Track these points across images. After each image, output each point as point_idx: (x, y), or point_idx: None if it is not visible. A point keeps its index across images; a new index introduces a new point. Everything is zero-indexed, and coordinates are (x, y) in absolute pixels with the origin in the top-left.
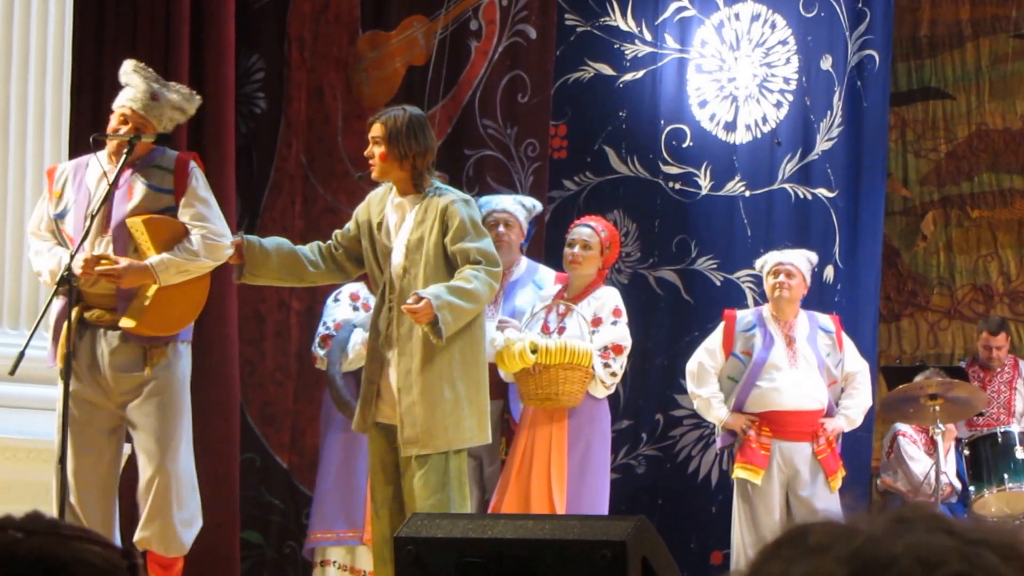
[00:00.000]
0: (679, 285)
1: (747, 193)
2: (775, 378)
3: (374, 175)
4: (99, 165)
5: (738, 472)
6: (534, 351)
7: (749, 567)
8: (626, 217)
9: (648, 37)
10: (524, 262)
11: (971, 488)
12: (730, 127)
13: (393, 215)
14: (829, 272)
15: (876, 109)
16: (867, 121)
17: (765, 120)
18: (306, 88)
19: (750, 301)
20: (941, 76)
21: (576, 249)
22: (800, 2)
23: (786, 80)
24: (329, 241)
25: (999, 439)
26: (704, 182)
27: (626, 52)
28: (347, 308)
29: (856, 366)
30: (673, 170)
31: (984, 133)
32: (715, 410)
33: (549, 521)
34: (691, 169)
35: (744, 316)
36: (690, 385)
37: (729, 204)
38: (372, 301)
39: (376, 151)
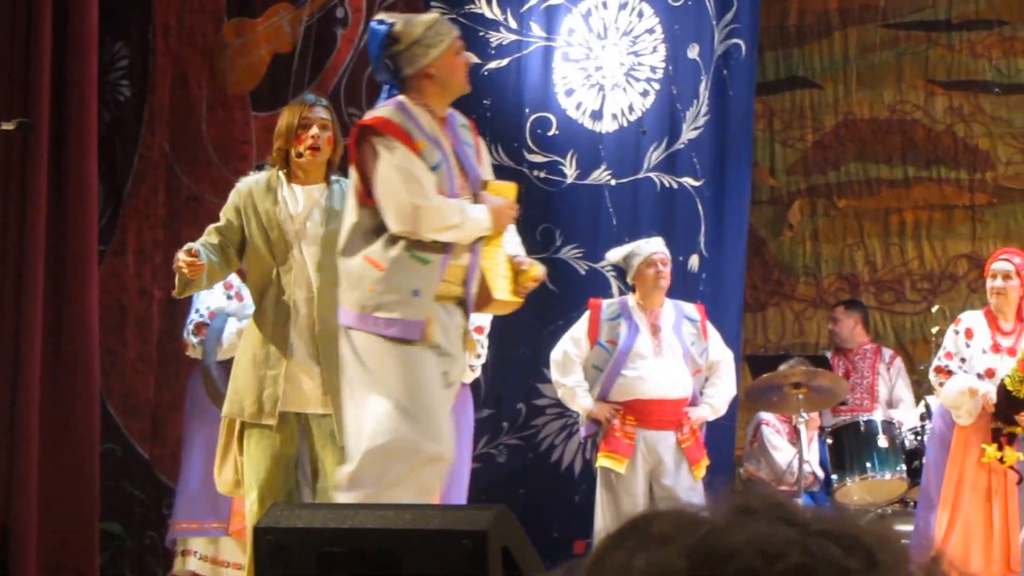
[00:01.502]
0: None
1: (613, 182)
2: (640, 367)
3: (316, 158)
4: None
5: (602, 461)
6: None
7: (592, 556)
8: None
9: (514, 25)
10: None
11: (834, 477)
12: (596, 116)
13: (294, 204)
14: (694, 261)
15: (742, 98)
16: (733, 110)
17: (632, 109)
18: (171, 76)
19: (615, 290)
20: (809, 65)
21: None
22: None
23: (653, 69)
24: (211, 238)
25: (862, 428)
26: (570, 171)
27: (491, 40)
28: (220, 296)
29: (720, 355)
30: (538, 159)
31: (851, 123)
32: (579, 399)
33: (410, 511)
34: (556, 158)
35: (609, 305)
36: (554, 374)
37: (595, 193)
38: (245, 291)
39: (324, 135)
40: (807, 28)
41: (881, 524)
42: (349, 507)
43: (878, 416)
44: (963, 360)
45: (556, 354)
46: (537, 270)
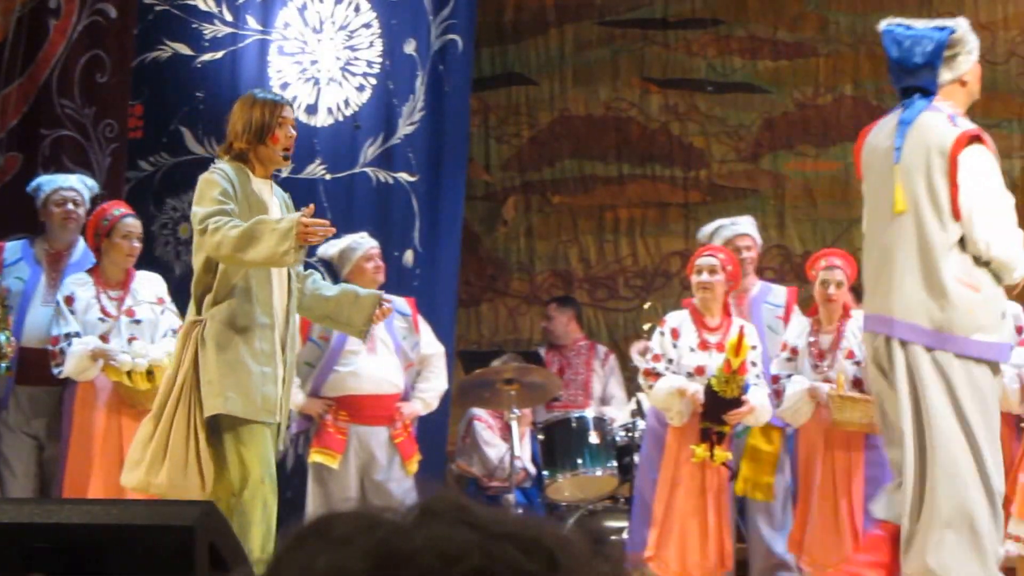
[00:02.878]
0: None
1: (328, 177)
2: (352, 362)
3: (289, 155)
4: None
5: (314, 456)
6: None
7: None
8: None
9: (229, 18)
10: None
11: (545, 473)
12: (312, 110)
13: (267, 198)
14: (409, 256)
15: (458, 94)
16: (449, 106)
17: (347, 103)
18: None
19: None
20: (525, 62)
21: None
22: None
23: (369, 64)
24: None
25: (573, 424)
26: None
27: (205, 32)
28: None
29: (432, 349)
30: None
31: (566, 119)
32: (292, 395)
33: (117, 506)
34: None
35: None
36: None
37: (309, 187)
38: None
39: (294, 134)
40: (523, 24)
41: (563, 527)
42: (55, 502)
43: (590, 413)
44: (671, 361)
45: None
46: None
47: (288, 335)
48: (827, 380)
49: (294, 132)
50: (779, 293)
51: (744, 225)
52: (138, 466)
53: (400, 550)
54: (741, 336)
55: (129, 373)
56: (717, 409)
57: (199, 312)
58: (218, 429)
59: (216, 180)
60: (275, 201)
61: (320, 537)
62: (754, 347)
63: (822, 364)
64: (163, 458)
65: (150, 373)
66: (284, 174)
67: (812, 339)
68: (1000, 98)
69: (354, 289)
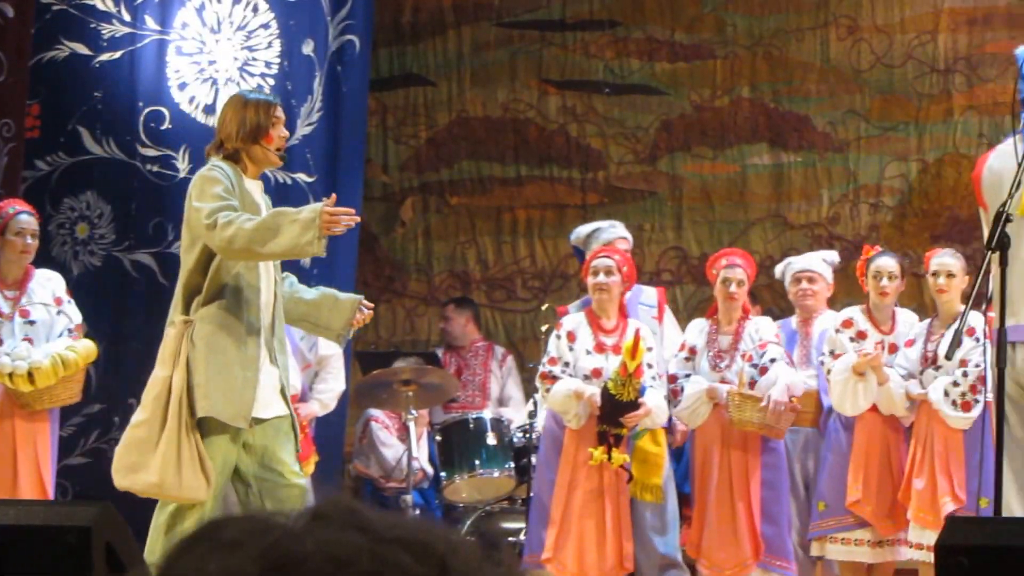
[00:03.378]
0: (155, 268)
1: None
2: None
3: (282, 155)
4: None
5: None
6: None
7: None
8: (100, 199)
9: (127, 17)
10: None
11: (443, 474)
12: (210, 110)
13: (259, 199)
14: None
15: (356, 95)
16: (347, 106)
17: None
18: None
19: None
20: (423, 63)
21: None
22: None
23: (268, 64)
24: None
25: (471, 425)
26: (182, 165)
27: (103, 32)
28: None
29: (329, 350)
30: (151, 152)
31: (464, 120)
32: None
33: (14, 507)
34: (169, 152)
35: None
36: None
37: None
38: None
39: (285, 134)
40: (421, 26)
41: (456, 532)
42: None
43: (487, 414)
44: (567, 364)
45: None
46: None
47: (276, 339)
48: (724, 381)
49: (286, 132)
50: (651, 294)
51: (622, 228)
52: (133, 469)
53: (290, 554)
54: (637, 338)
55: (10, 375)
56: (614, 412)
57: (187, 312)
58: (204, 431)
59: (217, 177)
60: (265, 202)
61: (211, 541)
62: (650, 349)
63: (720, 364)
64: (156, 459)
65: (31, 375)
66: (183, 174)
67: (711, 339)
68: (896, 101)
69: (333, 293)
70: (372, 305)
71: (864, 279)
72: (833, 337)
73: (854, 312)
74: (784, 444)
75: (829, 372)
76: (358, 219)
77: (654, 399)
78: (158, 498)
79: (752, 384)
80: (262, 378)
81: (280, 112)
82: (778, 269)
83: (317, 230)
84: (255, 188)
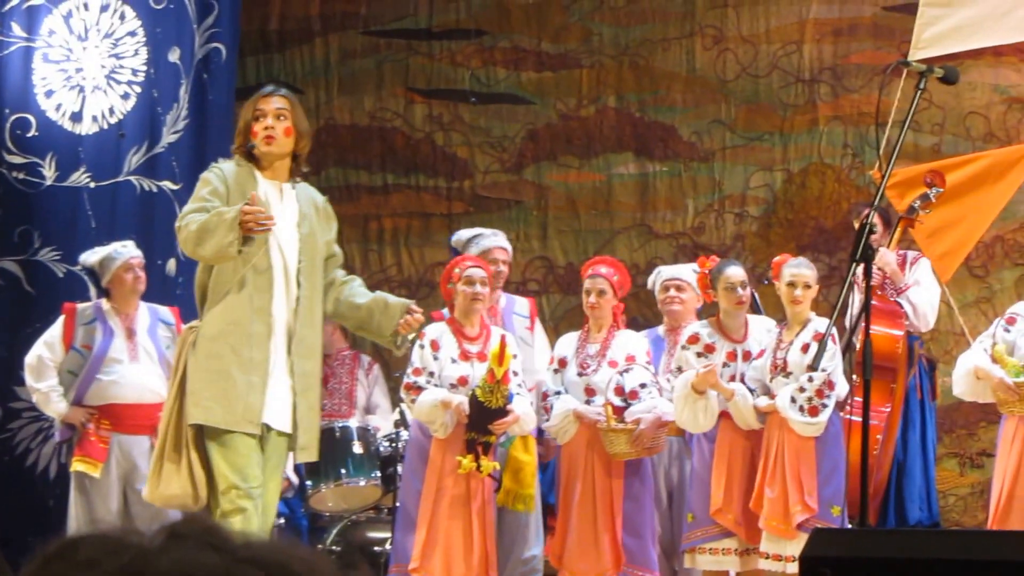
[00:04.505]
0: (21, 276)
1: (92, 185)
2: (115, 371)
3: (271, 149)
4: None
5: (76, 465)
6: None
7: None
8: None
9: None
10: None
11: (308, 483)
12: (76, 118)
13: (275, 200)
14: (172, 265)
15: (222, 102)
16: (213, 114)
17: (112, 111)
18: None
19: (92, 294)
20: (290, 71)
21: None
22: None
23: (134, 72)
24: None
25: (337, 434)
26: (49, 172)
27: None
28: None
29: None
30: (17, 160)
31: (332, 128)
32: (53, 403)
33: None
34: (35, 159)
35: (84, 309)
36: (28, 378)
37: (74, 195)
38: None
39: (280, 125)
40: (288, 34)
41: (314, 551)
42: None
43: (354, 423)
44: (432, 374)
45: (30, 358)
46: None
47: (295, 342)
48: (589, 388)
49: (273, 122)
50: (523, 304)
51: (503, 238)
52: (148, 477)
53: (145, 572)
54: (503, 345)
55: None
56: (483, 419)
57: (200, 316)
58: (202, 438)
59: (207, 178)
60: (287, 204)
61: (65, 560)
62: (515, 356)
63: (587, 371)
64: (159, 467)
65: None
66: (49, 182)
67: (579, 347)
68: (762, 111)
69: (384, 297)
70: (421, 310)
71: (710, 290)
72: (679, 354)
73: (700, 327)
74: None
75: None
76: (273, 220)
77: (522, 406)
78: (160, 506)
79: (620, 411)
80: (272, 384)
81: (265, 103)
82: (650, 279)
83: (237, 231)
84: (271, 189)
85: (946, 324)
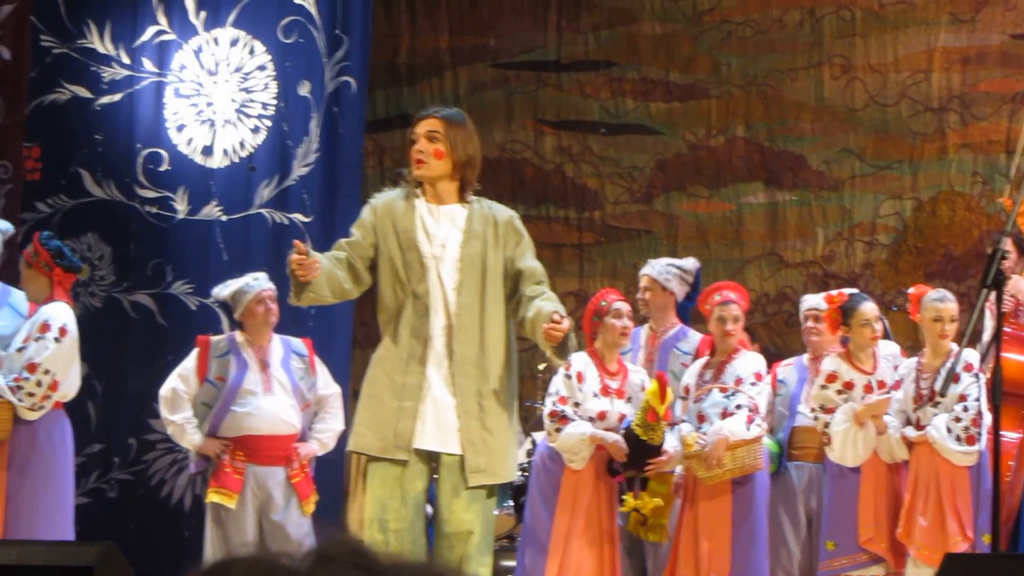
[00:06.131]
0: (154, 309)
1: (224, 218)
2: (249, 403)
3: (421, 172)
4: None
5: (211, 496)
6: None
7: None
8: (101, 240)
9: (126, 60)
10: None
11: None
12: (208, 152)
13: (432, 223)
14: None
15: (352, 136)
16: (343, 148)
17: (243, 145)
18: None
19: (225, 326)
20: (419, 104)
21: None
22: (278, 28)
23: (264, 106)
24: (339, 252)
25: None
26: (181, 206)
27: (103, 75)
28: None
29: (328, 390)
30: (150, 194)
31: None
32: (188, 435)
33: (16, 547)
34: (168, 193)
35: (218, 341)
36: (163, 410)
37: (206, 228)
38: None
39: (430, 148)
40: (418, 67)
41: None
42: None
43: None
44: (576, 404)
45: (165, 391)
46: None
47: (455, 362)
48: (700, 415)
49: (423, 145)
50: (694, 340)
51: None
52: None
53: None
54: (664, 383)
55: None
56: (642, 455)
57: None
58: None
59: (363, 210)
60: (447, 226)
61: None
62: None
63: (702, 396)
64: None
65: None
66: (181, 215)
67: (701, 373)
68: (891, 140)
69: (540, 305)
70: (559, 318)
71: (843, 326)
72: (820, 393)
73: (835, 365)
74: (791, 480)
75: (826, 426)
76: (314, 261)
77: (672, 444)
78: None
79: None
80: (431, 408)
81: (420, 127)
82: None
83: (293, 278)
84: (437, 212)
85: None
